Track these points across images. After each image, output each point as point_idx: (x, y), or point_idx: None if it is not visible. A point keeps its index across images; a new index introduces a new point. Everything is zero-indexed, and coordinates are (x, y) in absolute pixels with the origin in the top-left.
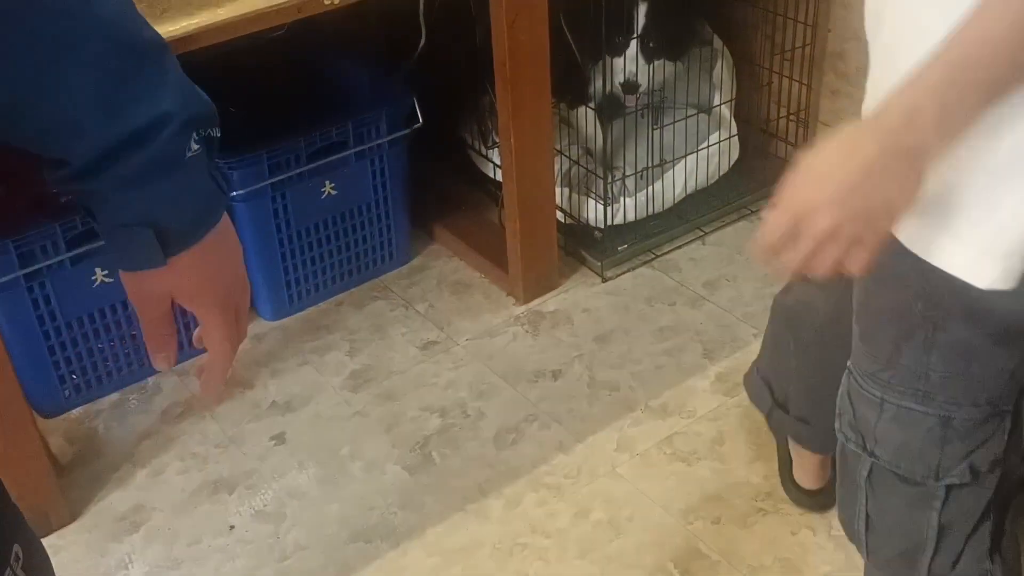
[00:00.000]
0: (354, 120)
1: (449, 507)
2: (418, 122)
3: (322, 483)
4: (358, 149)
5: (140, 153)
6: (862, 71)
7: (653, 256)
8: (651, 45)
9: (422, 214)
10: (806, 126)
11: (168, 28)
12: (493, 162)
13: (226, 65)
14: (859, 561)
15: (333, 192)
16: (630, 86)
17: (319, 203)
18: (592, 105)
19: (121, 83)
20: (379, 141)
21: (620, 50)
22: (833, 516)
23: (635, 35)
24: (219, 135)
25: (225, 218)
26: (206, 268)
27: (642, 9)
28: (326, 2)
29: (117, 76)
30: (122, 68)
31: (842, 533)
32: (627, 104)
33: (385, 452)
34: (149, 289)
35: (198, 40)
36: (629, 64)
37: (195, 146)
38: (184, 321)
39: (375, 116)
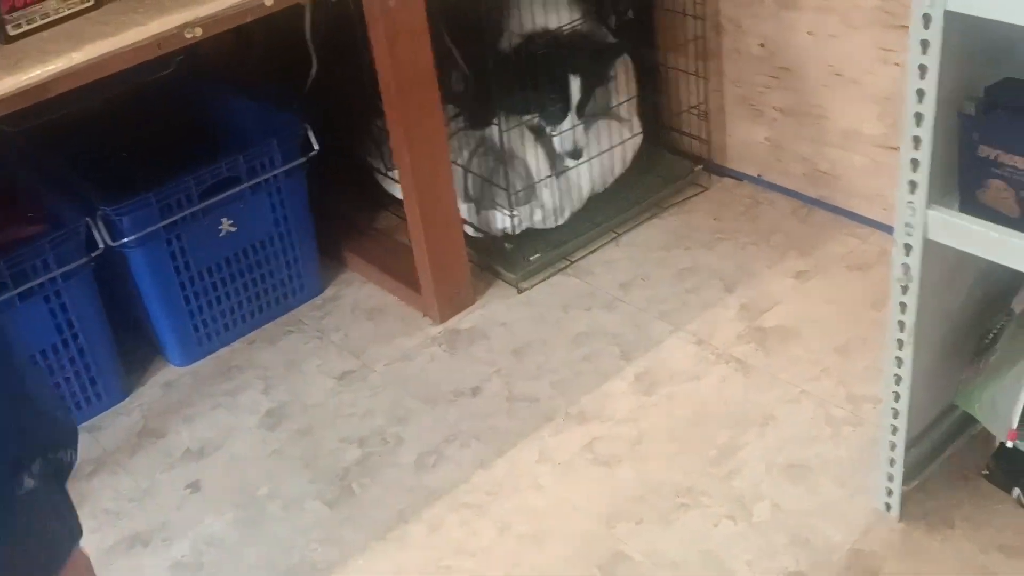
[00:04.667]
0: (244, 153)
1: (370, 537)
2: (313, 150)
3: (240, 527)
4: (253, 182)
5: None
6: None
7: (568, 263)
8: (584, 107)
9: (331, 242)
10: (707, 119)
11: (21, 77)
12: (398, 182)
13: (114, 110)
14: (779, 546)
15: (232, 229)
16: (576, 153)
17: (218, 241)
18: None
19: None
20: (274, 172)
21: (556, 120)
22: (755, 502)
23: (570, 109)
24: (75, 458)
25: (81, 561)
26: None
27: (575, 84)
28: (187, 35)
29: None
30: None
31: (763, 519)
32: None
33: (304, 488)
34: None
35: (55, 87)
36: (574, 137)
37: (30, 481)
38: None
39: (266, 147)
